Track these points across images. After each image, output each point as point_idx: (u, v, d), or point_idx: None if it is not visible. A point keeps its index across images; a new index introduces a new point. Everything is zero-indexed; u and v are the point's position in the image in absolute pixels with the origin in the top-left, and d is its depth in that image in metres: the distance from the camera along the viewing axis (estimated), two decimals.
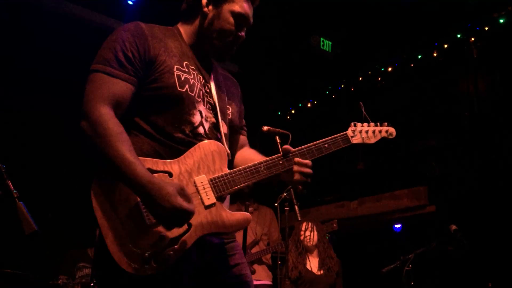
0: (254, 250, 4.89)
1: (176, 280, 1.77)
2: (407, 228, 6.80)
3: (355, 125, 2.18)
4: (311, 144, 2.06)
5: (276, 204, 3.90)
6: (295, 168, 1.98)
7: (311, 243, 4.89)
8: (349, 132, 2.16)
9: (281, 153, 2.01)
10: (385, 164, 6.64)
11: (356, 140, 2.16)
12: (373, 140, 2.21)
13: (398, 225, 6.95)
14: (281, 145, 3.32)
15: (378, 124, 2.24)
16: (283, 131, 3.23)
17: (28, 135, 5.37)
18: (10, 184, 1.78)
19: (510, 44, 5.60)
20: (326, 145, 2.07)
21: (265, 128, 3.15)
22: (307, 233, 4.92)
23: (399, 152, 6.47)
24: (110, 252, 1.68)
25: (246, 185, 1.93)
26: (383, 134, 2.22)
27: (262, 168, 1.95)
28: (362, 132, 2.18)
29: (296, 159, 1.99)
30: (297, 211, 3.53)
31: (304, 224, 5.00)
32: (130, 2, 5.61)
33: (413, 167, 6.38)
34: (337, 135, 2.13)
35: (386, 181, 6.62)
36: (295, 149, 2.03)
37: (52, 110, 5.41)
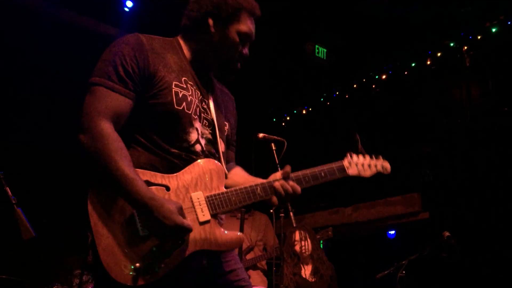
0: (249, 256, 4.89)
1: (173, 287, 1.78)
2: (401, 234, 6.84)
3: (351, 156, 2.20)
4: (307, 170, 2.06)
5: (271, 211, 3.92)
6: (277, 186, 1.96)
7: (307, 253, 4.86)
8: (345, 163, 2.17)
9: (277, 176, 2.00)
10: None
11: (352, 171, 2.18)
12: (368, 174, 2.24)
13: (392, 232, 6.98)
14: (276, 152, 3.35)
15: (374, 157, 2.27)
16: (279, 138, 3.25)
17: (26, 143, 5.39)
18: (9, 190, 1.80)
19: (502, 52, 5.67)
20: (322, 174, 2.08)
21: (261, 135, 3.18)
22: (302, 243, 4.87)
23: (393, 159, 6.50)
24: (101, 259, 1.68)
25: (242, 205, 1.93)
26: (379, 168, 2.27)
27: (259, 191, 1.96)
28: (358, 165, 2.21)
29: (291, 182, 1.98)
30: (292, 218, 3.56)
31: (298, 233, 4.95)
32: (126, 9, 5.64)
33: (407, 174, 6.42)
34: (333, 164, 2.14)
35: (381, 188, 6.65)
36: (292, 174, 2.02)
37: (49, 116, 5.42)
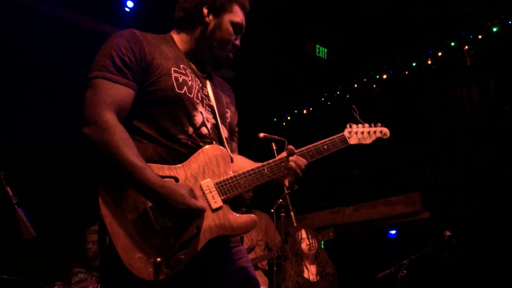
0: (250, 256, 4.89)
1: (185, 283, 1.79)
2: (401, 234, 6.83)
3: (350, 126, 2.26)
4: (310, 146, 2.11)
5: (272, 211, 3.92)
6: (291, 165, 2.02)
7: (313, 251, 4.85)
8: (346, 133, 2.24)
9: (282, 155, 2.06)
10: (379, 170, 6.68)
11: (352, 141, 2.24)
12: (368, 141, 2.29)
13: (393, 231, 6.97)
14: (277, 152, 3.35)
15: (372, 124, 2.33)
16: (279, 138, 3.24)
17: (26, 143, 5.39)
18: (9, 190, 1.80)
19: (503, 52, 5.67)
20: (325, 146, 2.14)
21: (261, 134, 3.17)
22: (309, 241, 4.86)
23: (393, 159, 6.51)
24: (121, 259, 1.68)
25: (251, 187, 1.97)
26: (378, 134, 2.32)
27: (266, 171, 2.00)
28: (358, 133, 2.26)
29: (295, 156, 2.04)
30: (293, 217, 3.55)
31: (303, 231, 4.94)
32: (127, 9, 5.64)
33: (407, 174, 6.42)
34: (334, 136, 2.20)
35: (381, 188, 6.65)
36: (296, 150, 2.08)
37: (49, 116, 5.42)
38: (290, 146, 2.07)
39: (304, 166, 2.03)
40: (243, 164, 2.14)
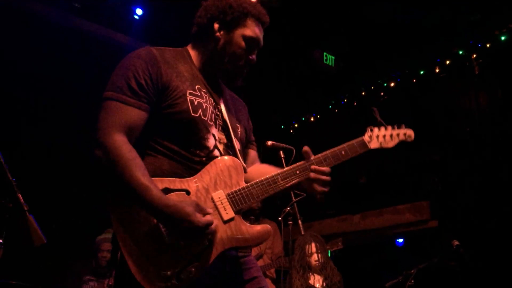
0: (258, 264, 4.87)
1: None
2: (409, 242, 6.79)
3: (371, 130, 2.12)
4: (327, 151, 2.00)
5: (279, 218, 3.91)
6: (312, 175, 1.94)
7: (319, 266, 4.76)
8: (366, 137, 2.10)
9: (297, 163, 1.98)
10: (387, 178, 6.65)
11: (373, 145, 2.09)
12: (391, 144, 2.14)
13: (401, 240, 6.94)
14: (285, 160, 3.34)
15: (396, 127, 2.16)
16: (287, 146, 3.25)
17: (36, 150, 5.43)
18: (21, 197, 1.82)
19: (511, 60, 5.65)
20: (343, 152, 2.02)
21: (269, 142, 3.18)
22: (318, 256, 4.74)
23: (401, 167, 6.49)
24: (133, 273, 1.69)
25: (264, 197, 1.91)
26: (401, 137, 2.16)
27: (279, 179, 1.93)
28: (380, 137, 2.11)
29: (313, 166, 1.95)
30: (301, 226, 3.55)
31: (313, 245, 4.80)
32: (136, 17, 5.69)
33: (415, 182, 6.39)
34: (353, 141, 2.06)
35: (389, 196, 6.63)
36: (312, 157, 1.98)
37: (59, 125, 5.46)
38: (306, 148, 1.97)
39: (327, 172, 1.94)
40: (268, 171, 2.07)
